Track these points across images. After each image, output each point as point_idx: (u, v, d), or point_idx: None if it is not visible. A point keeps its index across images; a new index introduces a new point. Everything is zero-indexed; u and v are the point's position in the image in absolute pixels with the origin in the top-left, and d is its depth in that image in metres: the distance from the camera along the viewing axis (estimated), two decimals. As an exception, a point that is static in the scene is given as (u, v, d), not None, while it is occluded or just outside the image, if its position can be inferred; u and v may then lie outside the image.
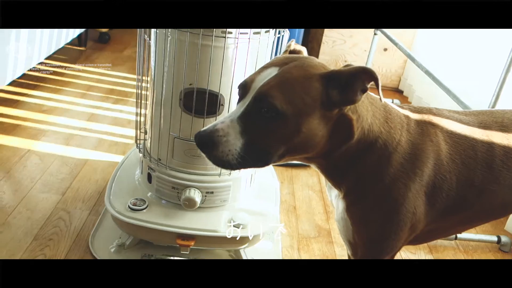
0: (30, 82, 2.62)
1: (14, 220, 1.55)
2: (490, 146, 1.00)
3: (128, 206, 1.41)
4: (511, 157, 1.01)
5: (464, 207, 1.02)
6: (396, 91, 3.49)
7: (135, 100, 1.40)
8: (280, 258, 1.56)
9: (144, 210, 1.41)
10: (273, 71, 0.87)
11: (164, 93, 1.33)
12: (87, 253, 1.47)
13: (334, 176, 0.99)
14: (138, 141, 1.49)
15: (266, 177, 1.66)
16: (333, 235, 1.72)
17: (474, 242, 1.77)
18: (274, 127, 0.84)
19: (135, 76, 2.92)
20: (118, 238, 1.51)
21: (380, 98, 0.87)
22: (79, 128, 2.22)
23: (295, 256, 1.59)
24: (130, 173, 1.58)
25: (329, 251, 1.64)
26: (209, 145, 0.84)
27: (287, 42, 1.05)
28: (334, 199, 1.06)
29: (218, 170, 1.41)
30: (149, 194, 1.47)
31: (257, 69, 0.93)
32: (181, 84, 1.30)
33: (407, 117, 0.98)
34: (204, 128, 0.86)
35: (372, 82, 0.85)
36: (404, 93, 3.40)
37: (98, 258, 1.45)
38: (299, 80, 0.85)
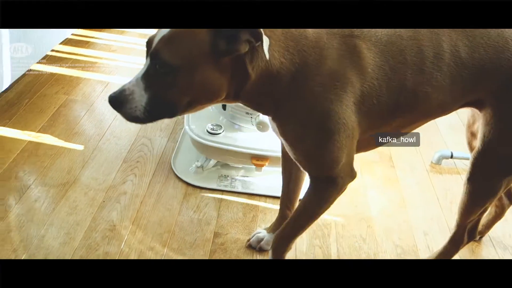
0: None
1: (104, 146, 1.74)
2: (419, 49, 1.02)
3: (207, 131, 1.56)
4: (441, 58, 1.02)
5: (401, 111, 1.06)
6: None
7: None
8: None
9: (221, 134, 1.56)
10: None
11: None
12: (171, 173, 1.64)
13: (254, 107, 1.07)
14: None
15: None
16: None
17: None
18: (170, 80, 0.93)
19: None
20: (196, 161, 1.68)
21: (265, 55, 0.92)
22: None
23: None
24: (204, 103, 1.72)
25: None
26: (118, 104, 0.95)
27: None
28: (270, 122, 1.13)
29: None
30: (224, 120, 1.62)
31: None
32: None
33: (319, 35, 0.99)
34: (116, 89, 0.96)
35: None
36: None
37: (181, 177, 1.62)
38: (187, 34, 0.92)
